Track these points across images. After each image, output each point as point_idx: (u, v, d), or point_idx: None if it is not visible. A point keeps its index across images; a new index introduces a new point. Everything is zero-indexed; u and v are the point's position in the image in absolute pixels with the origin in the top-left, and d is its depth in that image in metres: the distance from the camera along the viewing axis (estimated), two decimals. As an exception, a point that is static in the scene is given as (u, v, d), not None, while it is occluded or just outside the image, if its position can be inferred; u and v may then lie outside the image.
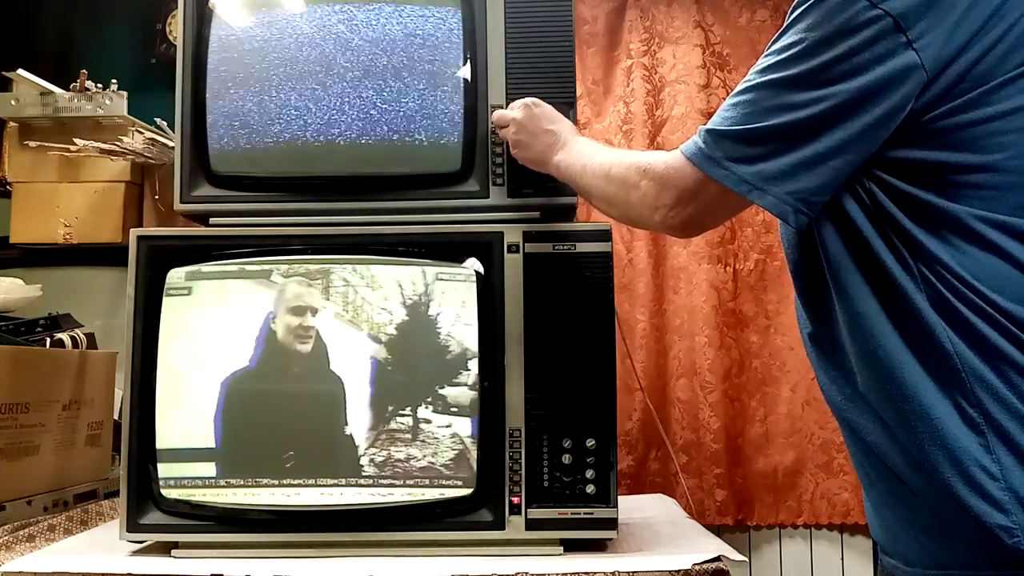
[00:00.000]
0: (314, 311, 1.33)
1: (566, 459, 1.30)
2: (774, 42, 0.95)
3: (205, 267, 1.35)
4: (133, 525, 1.32)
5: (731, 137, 0.94)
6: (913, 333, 0.88)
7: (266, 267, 1.34)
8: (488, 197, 1.38)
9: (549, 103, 1.32)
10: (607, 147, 1.23)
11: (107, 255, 2.08)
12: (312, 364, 1.32)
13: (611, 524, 1.30)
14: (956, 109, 0.87)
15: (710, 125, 0.97)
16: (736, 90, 0.96)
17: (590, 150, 1.21)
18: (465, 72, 1.40)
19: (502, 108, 1.37)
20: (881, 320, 0.90)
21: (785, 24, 0.94)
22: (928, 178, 0.88)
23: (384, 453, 1.30)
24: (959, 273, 0.86)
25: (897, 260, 0.89)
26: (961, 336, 0.86)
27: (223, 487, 1.31)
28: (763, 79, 0.93)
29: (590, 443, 1.30)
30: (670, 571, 1.19)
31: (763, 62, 0.94)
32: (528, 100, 1.32)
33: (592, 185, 1.17)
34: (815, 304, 1.00)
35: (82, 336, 1.81)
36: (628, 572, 1.19)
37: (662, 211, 1.03)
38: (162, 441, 1.32)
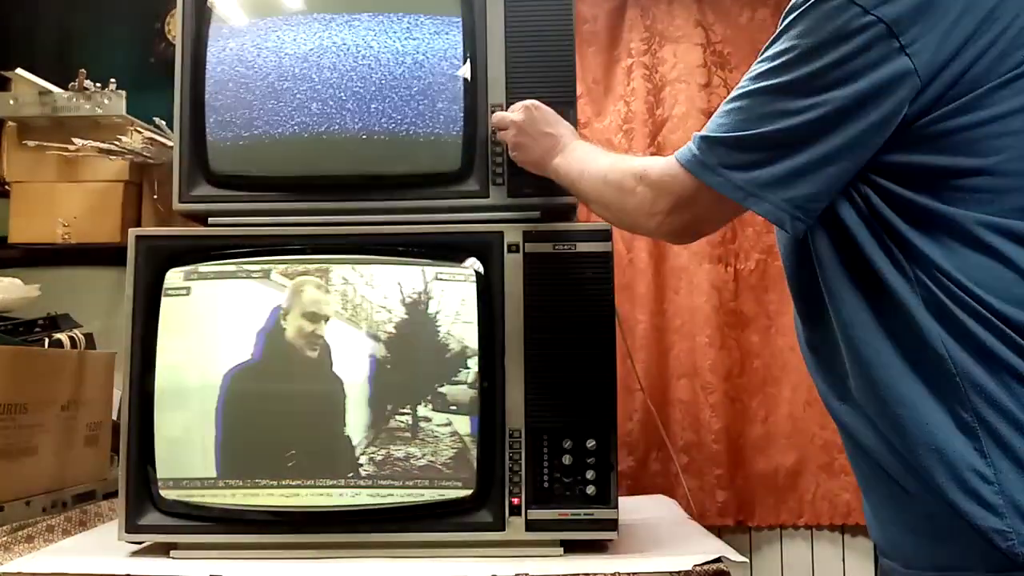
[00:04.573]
0: (327, 319, 1.32)
1: (566, 460, 1.29)
2: (767, 48, 0.94)
3: (204, 267, 1.35)
4: (132, 526, 1.31)
5: (725, 144, 0.94)
6: (907, 338, 0.88)
7: (265, 267, 1.34)
8: (488, 197, 1.38)
9: (549, 103, 1.32)
10: (605, 151, 1.23)
11: (106, 255, 2.08)
12: (314, 365, 1.32)
13: (611, 525, 1.29)
14: (951, 113, 0.86)
15: (704, 132, 0.97)
16: (730, 96, 0.96)
17: (588, 154, 1.21)
18: (465, 72, 1.39)
19: (502, 108, 1.37)
20: (874, 325, 0.90)
21: (778, 30, 0.93)
22: (925, 182, 0.88)
23: (383, 452, 1.30)
24: (955, 276, 0.86)
25: (892, 264, 0.89)
26: (955, 339, 0.86)
27: (222, 488, 1.31)
28: (757, 85, 0.92)
29: (590, 444, 1.30)
30: (671, 572, 1.19)
31: (756, 68, 0.94)
32: (528, 103, 1.31)
33: (589, 190, 1.17)
34: (810, 309, 1.00)
35: (81, 336, 1.81)
36: (628, 573, 1.19)
37: (657, 217, 1.03)
38: (161, 441, 1.31)
